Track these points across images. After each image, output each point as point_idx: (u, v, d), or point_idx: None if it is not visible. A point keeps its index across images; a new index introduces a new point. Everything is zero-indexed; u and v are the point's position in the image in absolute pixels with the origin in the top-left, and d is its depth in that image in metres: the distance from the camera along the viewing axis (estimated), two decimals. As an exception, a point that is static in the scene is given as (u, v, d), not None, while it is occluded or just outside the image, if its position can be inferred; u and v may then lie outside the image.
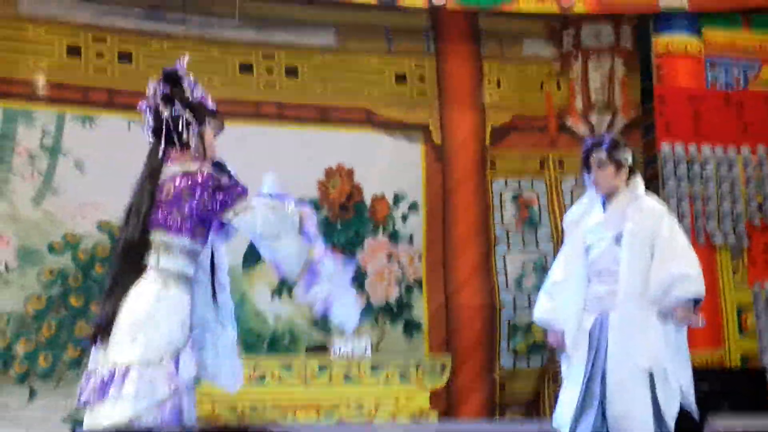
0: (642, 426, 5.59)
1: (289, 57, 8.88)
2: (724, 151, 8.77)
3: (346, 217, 8.83)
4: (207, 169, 4.47)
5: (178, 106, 4.56)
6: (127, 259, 4.38)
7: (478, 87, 9.21)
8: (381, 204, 8.93)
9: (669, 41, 8.87)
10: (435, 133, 8.99)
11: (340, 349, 7.88)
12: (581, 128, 9.09)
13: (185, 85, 4.65)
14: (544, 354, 8.83)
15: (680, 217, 8.47)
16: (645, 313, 5.57)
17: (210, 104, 4.71)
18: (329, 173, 8.82)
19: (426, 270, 8.88)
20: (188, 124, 4.56)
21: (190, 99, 4.63)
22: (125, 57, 8.44)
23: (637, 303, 5.59)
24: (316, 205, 8.74)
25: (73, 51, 8.34)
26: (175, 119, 4.56)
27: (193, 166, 4.46)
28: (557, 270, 5.98)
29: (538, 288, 7.15)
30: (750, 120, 8.84)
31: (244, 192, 4.42)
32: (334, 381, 7.88)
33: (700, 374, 8.13)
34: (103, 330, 4.27)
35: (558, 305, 5.87)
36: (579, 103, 9.17)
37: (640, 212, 5.72)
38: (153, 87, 4.64)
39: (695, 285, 5.64)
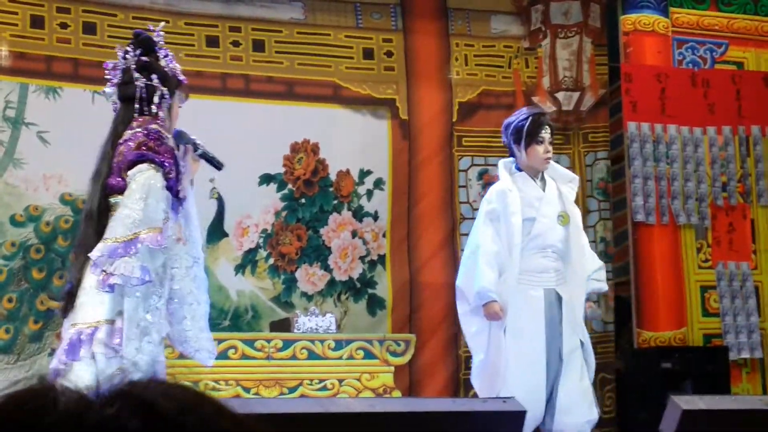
0: (586, 398, 5.80)
1: (256, 31, 8.82)
2: (690, 131, 8.79)
3: (311, 193, 8.80)
4: (152, 128, 4.47)
5: (154, 76, 4.55)
6: (89, 224, 4.39)
7: (445, 64, 9.18)
8: (346, 180, 8.89)
9: (636, 19, 8.87)
10: (402, 110, 8.96)
11: (303, 325, 7.87)
12: (548, 106, 9.08)
13: (161, 54, 4.65)
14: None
15: (645, 197, 8.49)
16: (583, 290, 5.88)
17: (180, 76, 4.70)
18: (295, 148, 8.78)
19: (390, 247, 8.86)
20: (162, 96, 4.55)
21: (165, 69, 4.63)
22: (90, 28, 8.35)
23: (582, 282, 5.85)
24: (282, 181, 8.71)
25: (37, 21, 8.24)
26: (150, 89, 4.56)
27: (140, 129, 4.46)
28: (495, 240, 5.99)
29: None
30: (716, 100, 8.87)
31: (151, 160, 4.38)
32: (297, 357, 7.86)
33: (663, 353, 8.23)
34: (71, 297, 4.27)
35: (497, 277, 5.92)
36: (546, 81, 9.16)
37: (573, 196, 6.00)
38: (126, 50, 4.61)
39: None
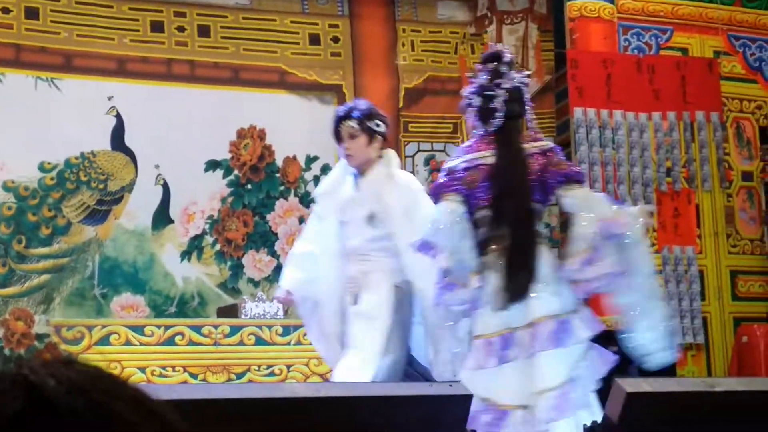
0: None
1: (202, 16, 8.78)
2: (636, 116, 8.84)
3: (258, 179, 8.78)
4: (553, 146, 4.90)
5: (525, 92, 4.96)
6: (524, 228, 4.79)
7: (392, 50, 9.19)
8: (293, 166, 8.88)
9: (582, 5, 8.90)
10: (348, 95, 8.95)
11: (251, 311, 7.85)
12: (494, 92, 9.09)
13: (515, 70, 5.03)
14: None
15: (592, 182, 8.53)
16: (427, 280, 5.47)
17: None
18: (241, 134, 8.75)
19: (338, 233, 8.85)
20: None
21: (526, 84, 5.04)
22: (32, 13, 8.27)
23: (425, 271, 5.35)
24: (228, 167, 8.68)
25: (-21, 6, 8.15)
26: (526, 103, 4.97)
27: (538, 144, 4.85)
28: (305, 242, 5.70)
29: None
30: (661, 86, 8.92)
31: (578, 175, 4.87)
32: (244, 343, 7.84)
33: (608, 337, 8.25)
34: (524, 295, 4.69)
35: (312, 278, 5.57)
36: (492, 67, 9.17)
37: (396, 191, 5.48)
38: (507, 75, 4.87)
39: None
